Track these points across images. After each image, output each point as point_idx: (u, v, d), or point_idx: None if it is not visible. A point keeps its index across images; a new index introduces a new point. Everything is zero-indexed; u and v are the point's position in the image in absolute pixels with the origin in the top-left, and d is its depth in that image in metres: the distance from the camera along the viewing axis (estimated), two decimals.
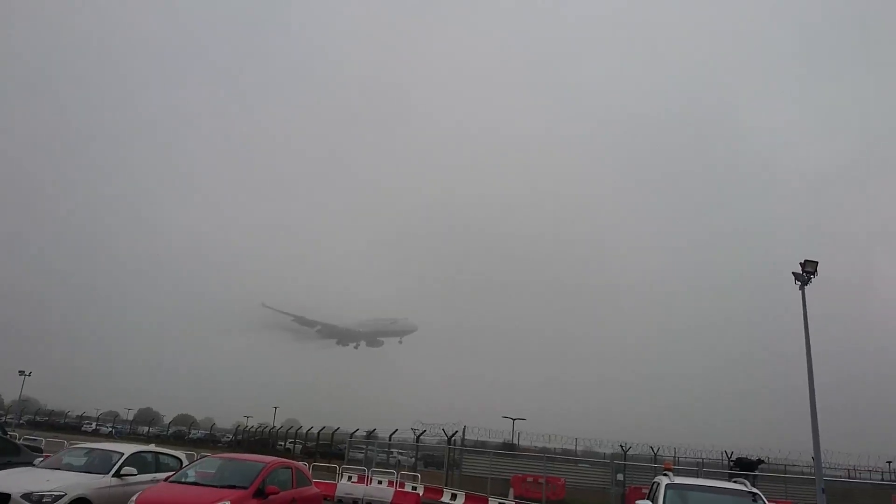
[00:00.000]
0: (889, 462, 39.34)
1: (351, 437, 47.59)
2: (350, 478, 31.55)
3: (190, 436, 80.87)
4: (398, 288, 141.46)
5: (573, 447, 44.01)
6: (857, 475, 38.97)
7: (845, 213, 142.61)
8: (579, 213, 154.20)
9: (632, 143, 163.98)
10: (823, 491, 16.75)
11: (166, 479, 13.48)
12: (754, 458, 26.10)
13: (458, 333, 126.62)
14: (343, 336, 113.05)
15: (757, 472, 24.61)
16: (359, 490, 28.31)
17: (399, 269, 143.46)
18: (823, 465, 31.34)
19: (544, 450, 42.37)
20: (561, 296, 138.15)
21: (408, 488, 30.21)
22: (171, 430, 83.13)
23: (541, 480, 31.49)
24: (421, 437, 41.23)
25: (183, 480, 13.30)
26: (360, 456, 44.06)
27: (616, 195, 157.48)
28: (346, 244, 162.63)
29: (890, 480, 38.33)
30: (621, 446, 38.65)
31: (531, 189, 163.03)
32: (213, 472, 13.81)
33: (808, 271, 16.81)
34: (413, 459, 44.34)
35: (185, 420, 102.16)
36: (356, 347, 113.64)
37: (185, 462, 16.04)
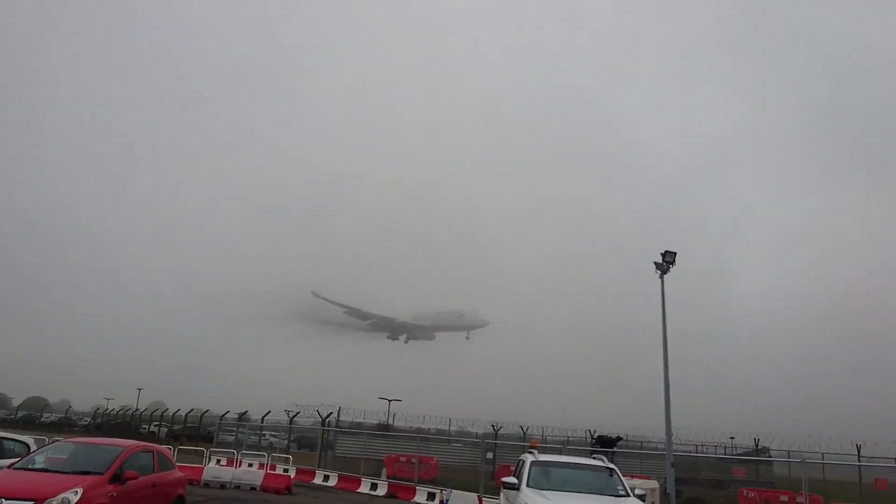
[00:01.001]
0: (731, 437, 42.95)
1: (221, 420, 46.13)
2: (218, 461, 30.63)
3: (42, 419, 75.49)
4: None
5: (447, 427, 44.94)
6: (704, 450, 42.33)
7: (704, 206, 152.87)
8: (452, 207, 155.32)
9: (508, 134, 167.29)
10: (672, 465, 18.06)
11: (10, 466, 12.48)
12: (614, 435, 27.75)
13: None
14: (398, 330, 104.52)
15: (615, 449, 26.16)
16: (227, 473, 27.52)
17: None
18: (675, 442, 33.79)
19: (419, 430, 42.94)
20: (430, 279, 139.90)
21: (279, 470, 29.72)
22: (19, 414, 77.12)
23: (413, 460, 31.93)
24: (294, 418, 40.65)
25: (30, 467, 12.35)
26: (231, 439, 42.84)
27: (486, 187, 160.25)
28: None
29: (732, 455, 41.83)
30: (493, 426, 39.94)
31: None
32: (65, 457, 12.91)
33: (667, 261, 18.01)
34: (286, 441, 43.65)
35: (36, 403, 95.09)
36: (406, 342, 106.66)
37: (34, 447, 14.93)
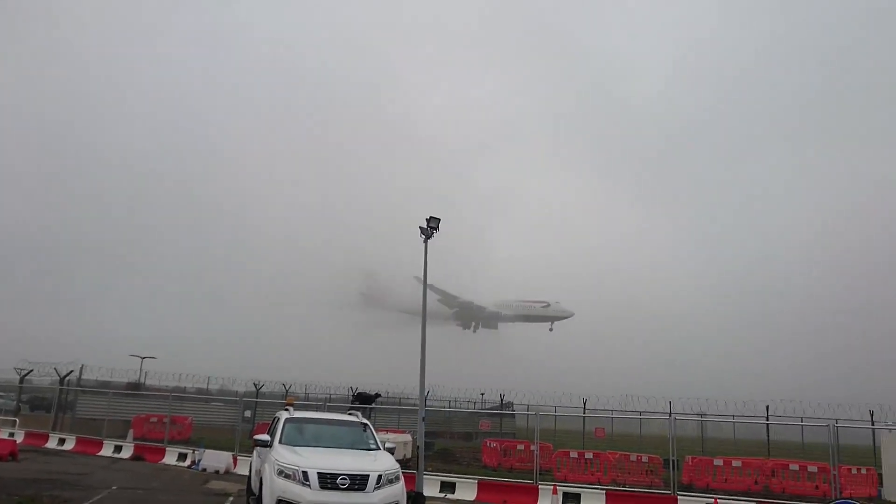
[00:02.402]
0: (482, 394, 46.49)
1: None
2: None
3: None
4: None
5: (206, 386, 43.17)
6: (457, 405, 45.45)
7: (474, 180, 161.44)
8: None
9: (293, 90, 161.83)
10: (423, 419, 19.08)
11: None
12: (373, 392, 28.64)
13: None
14: (484, 318, 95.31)
15: (374, 405, 27.05)
16: None
17: None
18: (430, 398, 35.71)
19: (176, 389, 40.75)
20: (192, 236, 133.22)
21: (4, 435, 26.56)
22: None
23: (165, 420, 30.33)
24: (26, 377, 36.38)
25: None
26: None
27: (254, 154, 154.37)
28: None
29: (480, 409, 45.42)
30: (255, 384, 39.15)
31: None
32: None
33: (431, 226, 18.85)
34: (15, 403, 38.99)
35: None
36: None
37: None
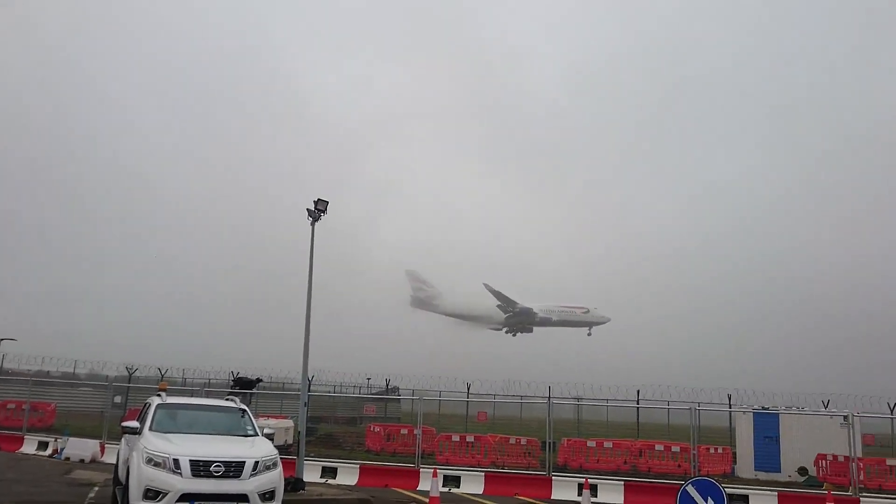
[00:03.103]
0: (368, 378, 46.39)
1: None
2: None
3: None
4: None
5: (73, 370, 40.57)
6: (343, 390, 45.07)
7: (367, 165, 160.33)
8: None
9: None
10: (306, 404, 18.79)
11: None
12: (254, 377, 27.87)
13: None
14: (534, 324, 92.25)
15: (255, 391, 26.35)
16: None
17: None
18: (315, 383, 35.23)
19: (38, 373, 38.07)
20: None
21: None
22: None
23: (24, 406, 28.23)
24: None
25: None
26: None
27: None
28: None
29: (367, 394, 45.34)
30: (127, 369, 37.14)
31: None
32: None
33: (319, 209, 18.48)
34: None
35: None
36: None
37: None
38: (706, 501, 12.34)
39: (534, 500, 18.40)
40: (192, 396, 19.22)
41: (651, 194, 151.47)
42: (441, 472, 19.11)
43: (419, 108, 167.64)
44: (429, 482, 16.52)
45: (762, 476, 24.79)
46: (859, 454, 21.60)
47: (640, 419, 35.18)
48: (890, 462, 23.88)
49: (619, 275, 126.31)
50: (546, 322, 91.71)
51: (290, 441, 24.79)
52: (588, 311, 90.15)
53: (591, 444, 26.72)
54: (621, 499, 18.46)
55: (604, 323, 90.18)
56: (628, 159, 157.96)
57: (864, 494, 18.46)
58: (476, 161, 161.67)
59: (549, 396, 29.90)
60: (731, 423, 29.40)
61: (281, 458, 12.73)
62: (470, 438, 26.22)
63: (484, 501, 18.10)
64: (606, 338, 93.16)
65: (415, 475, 20.01)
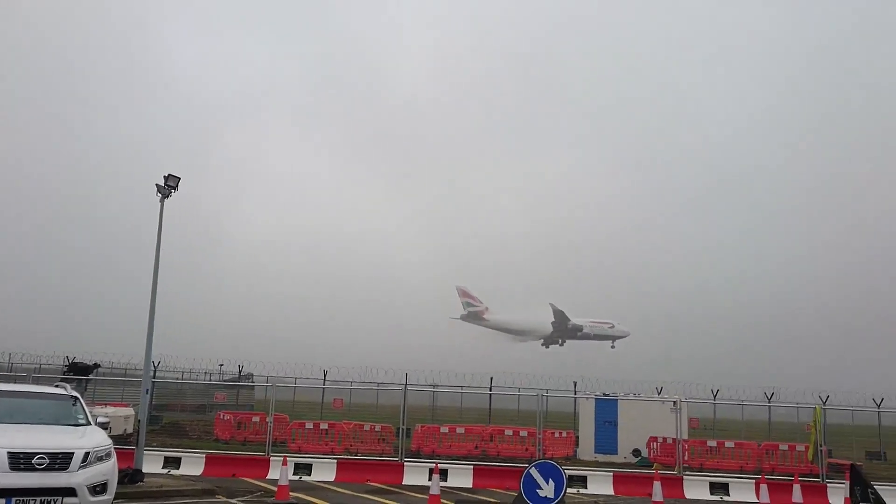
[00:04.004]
0: (221, 365, 44.39)
1: None
2: None
3: None
4: None
5: None
6: (192, 376, 42.88)
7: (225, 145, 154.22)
8: None
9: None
10: (148, 391, 17.79)
11: None
12: (91, 362, 25.98)
13: None
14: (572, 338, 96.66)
15: (92, 377, 24.59)
16: None
17: None
18: (161, 369, 33.46)
19: None
20: None
21: None
22: None
23: None
24: None
25: None
26: None
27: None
28: None
29: (218, 381, 43.39)
30: None
31: None
32: None
33: (169, 185, 17.44)
34: None
35: None
36: None
37: None
38: (547, 482, 12.99)
39: (385, 486, 18.51)
40: (16, 383, 17.56)
41: (499, 186, 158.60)
42: (292, 460, 18.77)
43: (280, 91, 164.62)
44: (279, 470, 16.16)
45: (601, 458, 26.47)
46: (685, 436, 23.58)
47: (492, 405, 36.41)
48: (710, 443, 26.27)
49: (472, 265, 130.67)
50: (585, 337, 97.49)
51: (130, 430, 23.39)
52: (613, 326, 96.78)
53: (445, 429, 27.28)
54: (470, 482, 19.00)
55: (625, 336, 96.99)
56: (481, 152, 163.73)
57: (687, 473, 20.15)
58: (338, 147, 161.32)
59: (406, 383, 30.20)
60: (575, 409, 31.07)
61: (118, 449, 11.95)
62: (324, 426, 25.92)
63: (335, 488, 17.97)
64: (460, 327, 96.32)
65: (265, 464, 19.50)
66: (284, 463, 16.21)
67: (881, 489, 16.83)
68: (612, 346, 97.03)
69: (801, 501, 16.11)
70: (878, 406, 32.43)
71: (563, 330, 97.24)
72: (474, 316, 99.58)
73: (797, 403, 28.35)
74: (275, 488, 16.07)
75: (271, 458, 19.46)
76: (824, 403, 22.34)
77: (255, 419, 27.82)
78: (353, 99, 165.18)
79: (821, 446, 19.82)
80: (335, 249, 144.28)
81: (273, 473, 18.22)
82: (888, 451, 33.36)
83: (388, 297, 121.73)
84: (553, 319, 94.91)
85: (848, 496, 16.75)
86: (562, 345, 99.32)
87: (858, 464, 18.98)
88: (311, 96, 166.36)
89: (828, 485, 18.71)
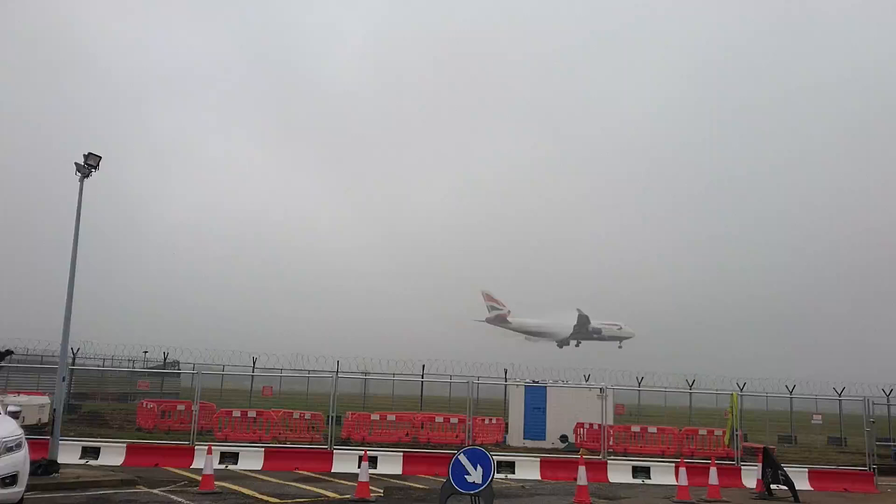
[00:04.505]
0: (145, 352, 42.97)
1: None
2: None
3: None
4: None
5: None
6: (115, 363, 41.38)
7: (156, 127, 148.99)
8: None
9: None
10: (65, 379, 17.08)
11: None
12: (3, 349, 24.60)
13: None
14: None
15: (4, 363, 23.31)
16: None
17: None
18: (82, 356, 32.17)
19: None
20: None
21: None
22: None
23: None
24: None
25: None
26: None
27: None
28: None
29: (142, 368, 42.04)
30: None
31: None
32: None
33: (90, 164, 16.67)
34: None
35: None
36: None
37: None
38: (476, 468, 13.13)
39: (314, 474, 18.33)
40: None
41: (435, 175, 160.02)
42: (218, 449, 18.40)
43: (211, 75, 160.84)
44: (203, 459, 15.79)
45: (529, 444, 26.92)
46: (610, 422, 24.25)
47: (424, 392, 36.52)
48: (634, 429, 27.10)
49: (398, 253, 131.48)
50: (601, 338, 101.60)
51: (46, 420, 22.40)
52: (621, 328, 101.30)
53: (376, 417, 27.24)
54: (400, 469, 19.02)
55: (631, 337, 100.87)
56: (411, 142, 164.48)
57: (612, 458, 20.74)
58: (270, 132, 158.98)
59: (337, 371, 29.97)
60: (505, 396, 31.49)
61: (31, 439, 11.43)
62: (252, 414, 25.49)
63: (262, 477, 17.68)
64: (390, 313, 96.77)
65: (189, 453, 19.01)
66: (209, 452, 15.84)
67: (791, 471, 17.81)
68: (619, 347, 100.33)
69: (717, 483, 16.81)
70: (791, 392, 34.09)
71: (583, 333, 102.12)
72: (499, 319, 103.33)
73: (716, 390, 29.49)
74: (199, 478, 15.70)
75: (196, 447, 18.97)
76: (741, 390, 23.40)
77: (181, 407, 27.08)
78: (286, 84, 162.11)
79: (737, 431, 20.68)
80: (266, 236, 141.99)
81: (198, 463, 17.78)
82: (799, 435, 35.24)
83: (320, 285, 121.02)
84: (576, 323, 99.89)
85: (760, 477, 17.64)
86: (577, 346, 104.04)
87: (771, 447, 20.00)
88: (242, 81, 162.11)
89: (742, 467, 19.56)
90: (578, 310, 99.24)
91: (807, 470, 19.80)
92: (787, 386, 34.26)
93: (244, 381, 38.23)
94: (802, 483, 18.42)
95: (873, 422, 20.93)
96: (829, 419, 35.48)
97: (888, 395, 32.68)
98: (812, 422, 35.39)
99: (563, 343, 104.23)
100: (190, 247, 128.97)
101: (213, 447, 16.88)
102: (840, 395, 29.31)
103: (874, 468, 19.64)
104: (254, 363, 34.52)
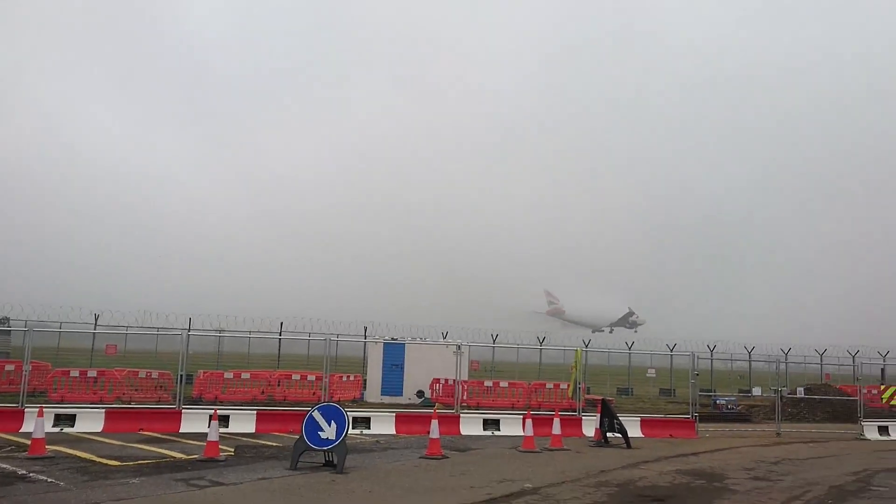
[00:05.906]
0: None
1: None
2: None
3: None
4: None
5: None
6: None
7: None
8: None
9: None
10: None
11: None
12: None
13: None
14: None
15: None
16: None
17: None
18: None
19: None
20: None
21: None
22: None
23: None
24: None
25: None
26: None
27: None
28: None
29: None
30: None
31: None
32: None
33: None
34: None
35: None
36: None
37: None
38: (329, 424, 13.15)
39: (161, 435, 17.57)
40: None
41: (294, 127, 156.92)
42: (52, 411, 17.20)
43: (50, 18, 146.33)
44: (34, 422, 14.64)
45: (387, 400, 27.32)
46: (465, 378, 25.08)
47: (282, 350, 35.92)
48: (487, 383, 28.23)
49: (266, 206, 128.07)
50: (632, 325, 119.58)
51: None
52: (634, 315, 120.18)
53: (229, 375, 26.50)
54: (253, 428, 18.65)
55: (643, 324, 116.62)
56: (274, 92, 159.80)
57: (464, 411, 21.49)
58: (115, 79, 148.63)
59: (189, 328, 28.76)
60: (364, 353, 31.65)
61: None
62: (92, 373, 23.94)
63: (102, 439, 16.70)
64: (255, 272, 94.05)
65: (19, 415, 17.56)
66: (40, 414, 14.69)
67: (625, 419, 19.35)
68: (635, 332, 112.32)
69: (560, 433, 17.89)
70: (630, 349, 36.95)
71: (623, 321, 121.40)
72: (557, 312, 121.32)
73: (564, 346, 31.23)
74: (28, 442, 14.57)
75: (26, 410, 17.56)
76: (586, 347, 24.90)
77: (9, 367, 24.90)
78: (133, 31, 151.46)
79: (580, 384, 22.10)
80: (109, 183, 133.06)
81: (28, 426, 16.48)
82: (635, 387, 38.26)
83: (170, 235, 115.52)
84: (622, 315, 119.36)
85: (598, 427, 19.00)
86: (611, 332, 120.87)
87: (609, 399, 21.52)
88: (83, 26, 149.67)
89: (583, 418, 20.93)
90: (629, 309, 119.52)
91: (639, 419, 21.56)
92: (626, 343, 37.04)
93: (85, 340, 35.72)
94: (635, 430, 20.06)
95: (697, 374, 23.09)
96: (662, 373, 38.78)
97: (712, 351, 36.32)
98: (647, 375, 38.62)
99: (597, 330, 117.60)
100: (24, 189, 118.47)
101: (45, 409, 15.72)
102: (672, 351, 32.20)
103: (696, 416, 21.72)
104: (96, 319, 32.33)
